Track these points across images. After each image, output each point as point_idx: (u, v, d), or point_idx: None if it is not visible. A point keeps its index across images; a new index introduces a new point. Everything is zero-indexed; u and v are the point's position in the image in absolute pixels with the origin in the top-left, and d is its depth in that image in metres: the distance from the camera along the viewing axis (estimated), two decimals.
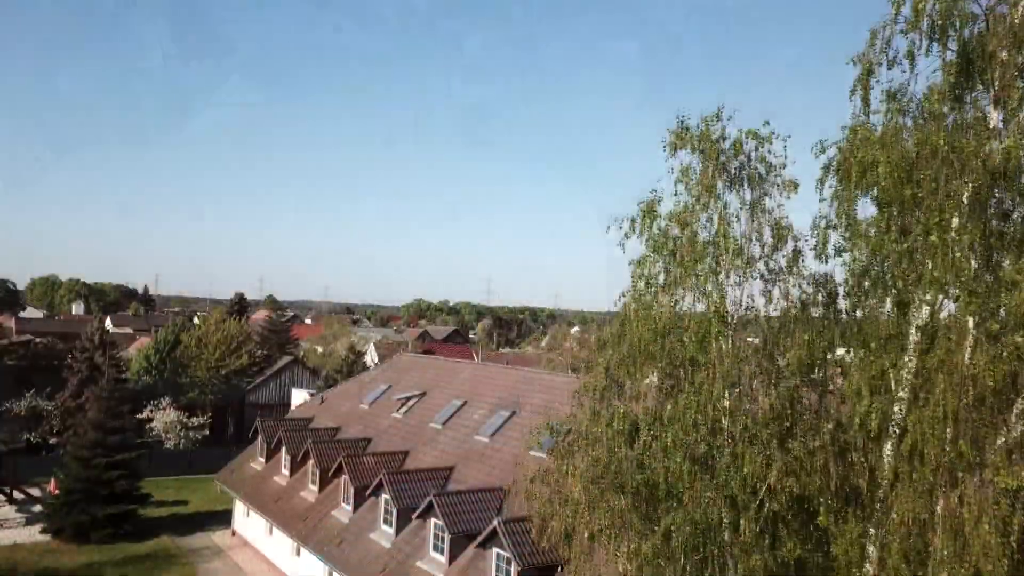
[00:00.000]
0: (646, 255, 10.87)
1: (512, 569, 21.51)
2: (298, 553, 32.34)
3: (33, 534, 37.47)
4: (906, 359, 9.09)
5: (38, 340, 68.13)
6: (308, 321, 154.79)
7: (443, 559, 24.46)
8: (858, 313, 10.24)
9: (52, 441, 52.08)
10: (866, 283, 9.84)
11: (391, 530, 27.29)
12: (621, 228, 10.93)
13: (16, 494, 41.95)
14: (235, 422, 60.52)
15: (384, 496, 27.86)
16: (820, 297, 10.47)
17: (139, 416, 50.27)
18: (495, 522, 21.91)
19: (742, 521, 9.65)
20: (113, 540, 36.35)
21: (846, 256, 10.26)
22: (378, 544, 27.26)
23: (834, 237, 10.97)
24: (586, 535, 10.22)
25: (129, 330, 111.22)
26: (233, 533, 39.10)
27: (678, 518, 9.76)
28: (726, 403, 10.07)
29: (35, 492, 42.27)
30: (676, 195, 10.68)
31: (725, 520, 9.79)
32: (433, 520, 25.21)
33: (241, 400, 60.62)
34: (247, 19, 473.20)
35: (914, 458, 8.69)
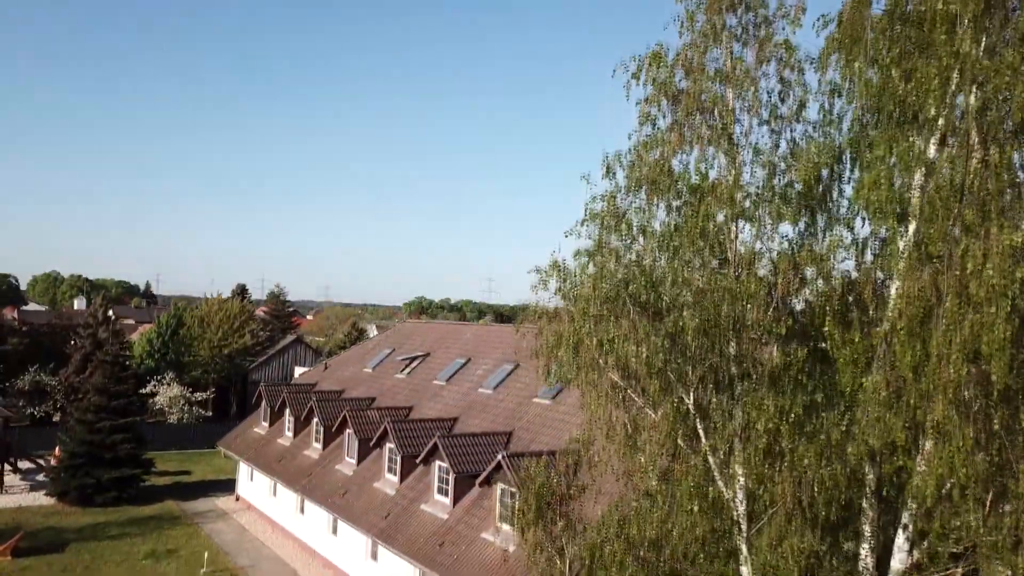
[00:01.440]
0: (652, 94, 10.96)
1: (516, 503, 21.57)
2: (302, 510, 32.42)
3: (38, 498, 37.60)
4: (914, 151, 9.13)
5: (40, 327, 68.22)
6: (309, 317, 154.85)
7: (447, 500, 24.54)
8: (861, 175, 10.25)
9: (56, 419, 52.14)
10: (871, 127, 9.87)
11: (395, 478, 27.37)
12: (627, 71, 11.02)
13: (21, 464, 42.02)
14: (238, 401, 60.60)
15: (388, 445, 27.96)
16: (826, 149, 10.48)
17: (143, 391, 50.33)
18: (499, 455, 21.99)
19: (749, 314, 9.74)
20: (117, 503, 36.48)
21: (849, 115, 10.37)
22: (382, 492, 27.33)
23: (838, 106, 11.06)
24: (595, 343, 10.29)
25: (131, 321, 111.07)
26: (237, 498, 39.17)
27: (686, 314, 9.81)
28: (732, 231, 10.17)
29: (39, 462, 42.33)
30: (680, 37, 10.79)
31: (733, 315, 9.87)
32: (437, 464, 25.30)
33: (244, 379, 60.69)
34: (245, 13, 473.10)
35: (921, 245, 8.82)
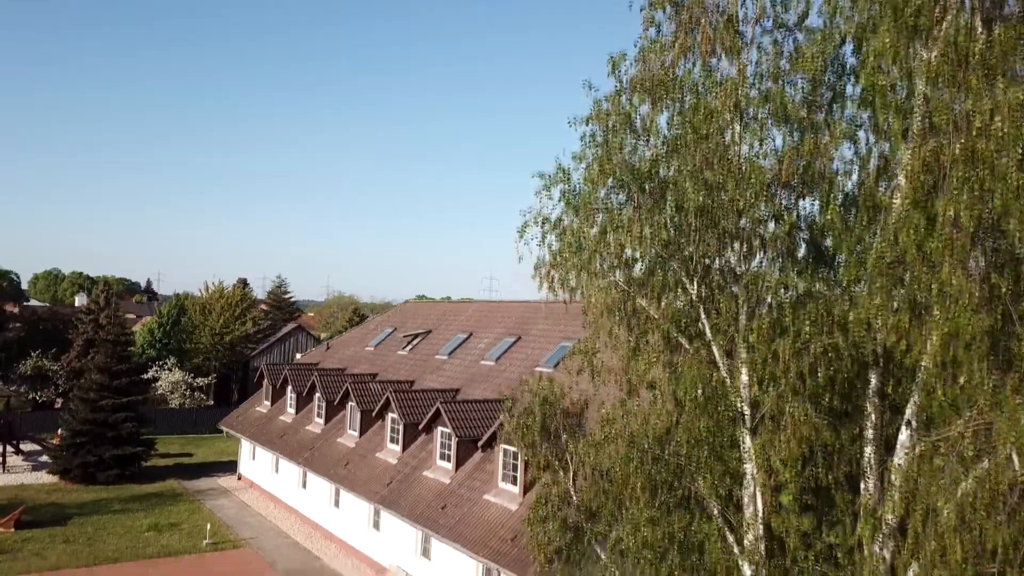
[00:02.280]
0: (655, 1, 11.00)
1: (519, 463, 21.62)
2: (304, 485, 32.46)
3: (40, 477, 37.69)
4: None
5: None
6: (311, 314, 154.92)
7: (450, 466, 24.58)
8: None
9: (57, 405, 52.15)
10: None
11: (397, 447, 27.42)
12: None
13: (23, 445, 42.08)
14: (239, 388, 60.64)
15: (391, 416, 28.00)
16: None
17: (144, 376, 50.33)
18: (502, 418, 22.00)
19: (751, 201, 9.76)
20: (119, 481, 36.54)
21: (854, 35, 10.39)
22: (385, 461, 27.38)
23: (842, 27, 11.08)
24: (596, 230, 10.30)
25: (132, 316, 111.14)
26: (239, 477, 39.21)
27: (688, 186, 9.83)
28: (736, 130, 10.20)
29: (44, 443, 42.37)
30: None
31: (735, 204, 9.87)
32: (440, 430, 25.35)
33: (245, 366, 60.74)
34: (244, 14, 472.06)
35: (925, 119, 8.82)
